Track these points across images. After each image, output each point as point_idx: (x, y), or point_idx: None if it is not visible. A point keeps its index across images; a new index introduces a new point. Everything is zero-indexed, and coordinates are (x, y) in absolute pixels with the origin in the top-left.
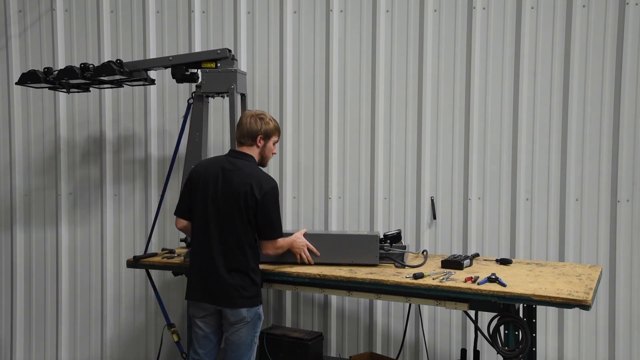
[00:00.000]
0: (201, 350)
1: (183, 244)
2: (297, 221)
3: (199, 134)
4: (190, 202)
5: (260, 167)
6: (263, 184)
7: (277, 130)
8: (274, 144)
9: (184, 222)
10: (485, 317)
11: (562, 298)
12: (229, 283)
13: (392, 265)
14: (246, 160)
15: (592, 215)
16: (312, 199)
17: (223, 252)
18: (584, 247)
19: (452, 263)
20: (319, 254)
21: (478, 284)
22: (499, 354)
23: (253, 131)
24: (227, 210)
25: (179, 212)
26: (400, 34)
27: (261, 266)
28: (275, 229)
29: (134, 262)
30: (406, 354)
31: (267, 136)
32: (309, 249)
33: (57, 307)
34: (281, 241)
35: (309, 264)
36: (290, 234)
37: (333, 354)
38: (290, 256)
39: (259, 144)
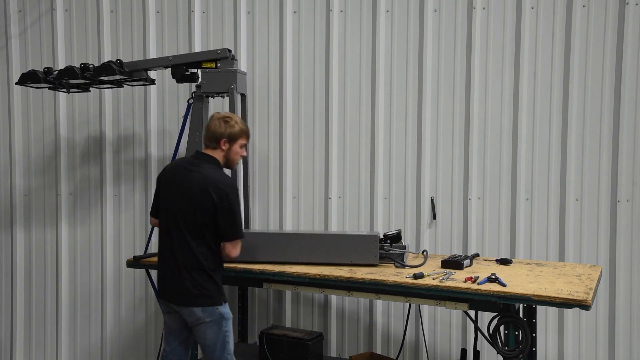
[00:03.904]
0: (167, 348)
1: None
2: (297, 221)
3: (199, 134)
4: (158, 202)
5: (224, 170)
6: (219, 186)
7: (244, 133)
8: (240, 147)
9: (155, 221)
10: (485, 317)
11: (562, 298)
12: (185, 282)
13: (392, 265)
14: (207, 162)
15: (592, 215)
16: (312, 199)
17: (182, 251)
18: (584, 247)
19: (452, 263)
20: None
21: (478, 284)
22: (499, 354)
23: (217, 134)
24: (184, 211)
25: (152, 211)
26: (400, 34)
27: (263, 266)
28: (236, 230)
29: (134, 262)
30: (406, 354)
31: (231, 139)
32: None
33: (57, 307)
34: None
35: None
36: None
37: (333, 354)
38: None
39: (223, 147)
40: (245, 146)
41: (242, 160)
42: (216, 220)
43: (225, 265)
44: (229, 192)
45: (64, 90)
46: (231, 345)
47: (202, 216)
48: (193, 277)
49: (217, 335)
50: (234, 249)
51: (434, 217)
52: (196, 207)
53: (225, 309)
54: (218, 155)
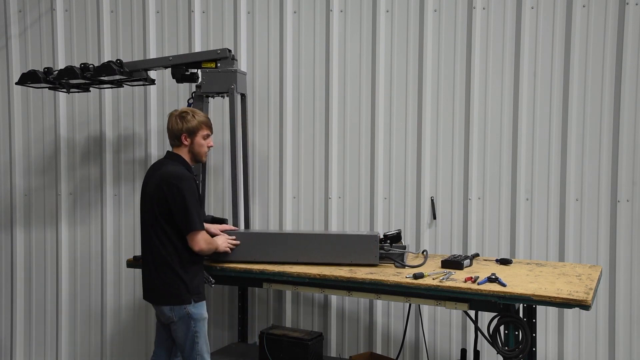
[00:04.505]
0: (155, 347)
1: None
2: (297, 221)
3: None
4: None
5: (184, 163)
6: (171, 180)
7: (204, 124)
8: (204, 138)
9: None
10: (485, 317)
11: (562, 298)
12: (154, 280)
13: (392, 265)
14: (171, 159)
15: (592, 215)
16: (312, 199)
17: (150, 250)
18: (584, 247)
19: (452, 263)
20: (238, 242)
21: (478, 284)
22: (499, 354)
23: (175, 131)
24: (147, 210)
25: None
26: (400, 34)
27: (262, 266)
28: (188, 222)
29: (134, 262)
30: (406, 354)
31: (191, 133)
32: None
33: (57, 307)
34: (206, 235)
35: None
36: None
37: (333, 354)
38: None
39: (186, 143)
40: (210, 137)
41: (242, 160)
42: (173, 213)
43: (225, 265)
44: (179, 184)
45: (64, 90)
46: (202, 346)
47: (160, 212)
48: (160, 276)
49: (186, 335)
50: (194, 242)
51: (434, 217)
52: (154, 203)
53: (196, 308)
54: (183, 151)
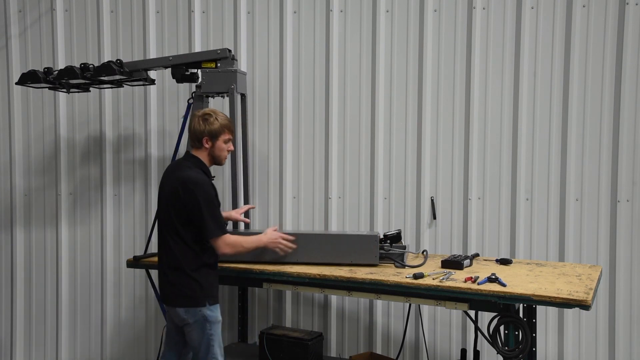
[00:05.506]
0: (165, 349)
1: None
2: (297, 221)
3: None
4: None
5: (203, 166)
6: (188, 184)
7: (226, 128)
8: (225, 142)
9: None
10: (485, 317)
11: (562, 298)
12: (169, 282)
13: (392, 265)
14: (189, 161)
15: (592, 215)
16: (312, 199)
17: (164, 251)
18: (584, 247)
19: (452, 263)
20: (294, 244)
21: (478, 284)
22: (499, 354)
23: (197, 133)
24: (162, 212)
25: None
26: (400, 34)
27: (262, 266)
28: (206, 231)
29: (134, 262)
30: (406, 354)
31: (213, 136)
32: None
33: (57, 307)
34: (234, 238)
35: (292, 251)
36: (256, 233)
37: (333, 354)
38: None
39: (207, 145)
40: (231, 140)
41: (242, 160)
42: (190, 219)
43: (225, 265)
44: (195, 190)
45: (64, 90)
46: (217, 349)
47: (176, 215)
48: (174, 277)
49: (201, 337)
50: (218, 247)
51: (434, 217)
52: (169, 206)
53: (211, 311)
54: (202, 153)
